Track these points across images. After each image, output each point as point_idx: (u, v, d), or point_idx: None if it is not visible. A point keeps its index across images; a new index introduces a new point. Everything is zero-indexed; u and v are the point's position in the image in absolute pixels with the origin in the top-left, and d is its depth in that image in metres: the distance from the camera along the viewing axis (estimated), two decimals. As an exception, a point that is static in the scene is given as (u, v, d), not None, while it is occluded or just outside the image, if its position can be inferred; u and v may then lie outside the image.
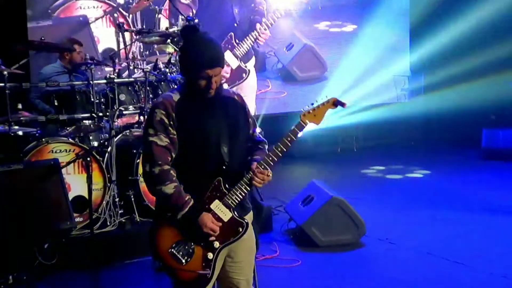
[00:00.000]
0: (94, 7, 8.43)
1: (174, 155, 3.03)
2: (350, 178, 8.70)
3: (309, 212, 5.72)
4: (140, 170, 5.53)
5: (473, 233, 5.99)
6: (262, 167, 3.08)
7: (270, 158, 3.10)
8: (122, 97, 6.00)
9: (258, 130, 3.42)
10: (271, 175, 3.11)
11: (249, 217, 3.20)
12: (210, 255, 3.05)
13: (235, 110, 3.18)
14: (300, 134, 3.16)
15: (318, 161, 9.03)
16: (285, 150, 3.12)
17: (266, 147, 3.33)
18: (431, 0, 10.77)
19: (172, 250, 3.02)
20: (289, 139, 3.13)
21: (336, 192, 5.92)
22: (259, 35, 6.03)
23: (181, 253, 3.02)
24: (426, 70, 11.08)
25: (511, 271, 4.93)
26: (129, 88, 6.08)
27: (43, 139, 5.48)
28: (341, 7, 10.64)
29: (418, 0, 10.90)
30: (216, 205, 3.06)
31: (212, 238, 3.03)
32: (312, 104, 3.21)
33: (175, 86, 5.62)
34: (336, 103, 3.19)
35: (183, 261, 3.02)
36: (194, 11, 8.32)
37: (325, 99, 3.21)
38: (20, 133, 5.46)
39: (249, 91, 7.31)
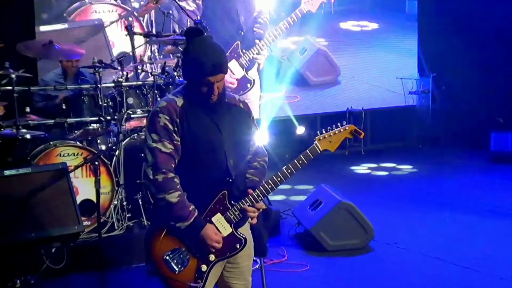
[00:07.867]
0: (109, 11, 8.44)
1: (177, 162, 2.98)
2: (358, 180, 8.66)
3: (318, 216, 5.70)
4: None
5: (482, 237, 5.95)
6: (259, 193, 3.04)
7: (279, 179, 3.07)
8: (130, 100, 5.97)
9: (266, 141, 3.37)
10: (264, 207, 3.09)
11: (246, 227, 3.17)
12: (204, 267, 3.03)
13: (240, 119, 3.12)
14: (312, 158, 3.10)
15: (326, 163, 8.98)
16: (294, 172, 3.09)
17: (267, 160, 3.27)
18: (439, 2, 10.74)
19: (167, 257, 2.99)
20: (300, 162, 3.10)
21: (344, 195, 5.89)
22: (258, 53, 5.94)
23: (175, 261, 2.99)
24: (434, 73, 11.03)
25: (521, 276, 4.90)
26: (137, 91, 6.05)
27: (51, 143, 5.47)
28: (351, 10, 10.56)
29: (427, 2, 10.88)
30: (218, 219, 3.02)
31: (212, 251, 3.00)
32: (329, 128, 3.14)
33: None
34: (353, 132, 3.13)
35: (176, 269, 2.99)
36: (199, 17, 8.30)
37: (343, 126, 3.14)
38: (28, 136, 5.46)
39: (253, 101, 7.25)
